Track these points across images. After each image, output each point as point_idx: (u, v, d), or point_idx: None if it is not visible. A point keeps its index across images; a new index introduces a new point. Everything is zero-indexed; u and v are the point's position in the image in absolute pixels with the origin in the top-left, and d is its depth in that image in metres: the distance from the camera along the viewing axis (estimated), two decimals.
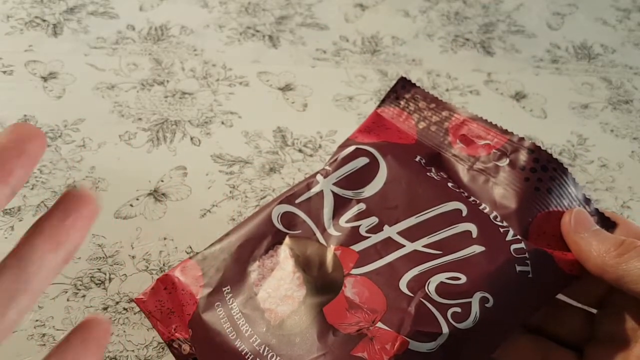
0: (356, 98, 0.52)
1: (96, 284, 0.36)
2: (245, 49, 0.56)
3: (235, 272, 0.29)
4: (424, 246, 0.28)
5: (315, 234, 0.29)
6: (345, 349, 0.25)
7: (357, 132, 0.34)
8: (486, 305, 0.26)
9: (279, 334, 0.26)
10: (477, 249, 0.27)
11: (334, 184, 0.30)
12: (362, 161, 0.31)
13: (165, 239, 0.39)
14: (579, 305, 0.31)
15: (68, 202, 0.17)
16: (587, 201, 0.30)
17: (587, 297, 0.30)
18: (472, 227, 0.28)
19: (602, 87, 0.56)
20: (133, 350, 0.34)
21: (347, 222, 0.29)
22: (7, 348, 0.33)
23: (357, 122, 0.49)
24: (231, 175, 0.44)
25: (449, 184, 0.30)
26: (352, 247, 0.28)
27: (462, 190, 0.30)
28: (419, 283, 0.26)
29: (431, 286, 0.26)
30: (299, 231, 0.29)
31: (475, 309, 0.25)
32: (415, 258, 0.27)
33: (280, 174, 0.44)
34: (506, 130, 0.31)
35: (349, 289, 0.27)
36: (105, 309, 0.35)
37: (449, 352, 0.25)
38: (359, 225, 0.29)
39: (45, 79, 0.50)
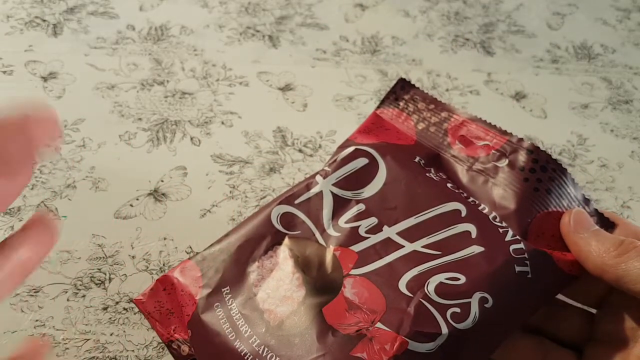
0: (356, 98, 0.52)
1: (96, 284, 0.36)
2: (245, 49, 0.56)
3: (234, 273, 0.29)
4: (423, 247, 0.28)
5: (314, 235, 0.29)
6: (344, 350, 0.25)
7: (356, 132, 0.34)
8: (485, 305, 0.26)
9: (278, 334, 0.26)
10: (476, 249, 0.27)
11: (334, 184, 0.31)
12: (362, 162, 0.31)
13: (165, 239, 0.39)
14: (579, 305, 0.31)
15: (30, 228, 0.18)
16: (587, 201, 0.30)
17: (586, 297, 0.30)
18: (471, 228, 0.28)
19: (602, 87, 0.56)
20: (133, 350, 0.34)
21: (346, 222, 0.29)
22: (7, 348, 0.33)
23: (357, 122, 0.49)
24: (231, 175, 0.44)
25: (448, 185, 0.30)
26: (351, 248, 0.28)
27: (461, 191, 0.30)
28: (418, 283, 0.26)
29: (430, 286, 0.26)
30: (299, 232, 0.29)
31: (474, 309, 0.25)
32: (415, 258, 0.27)
33: (280, 174, 0.44)
34: (505, 130, 0.31)
35: (349, 290, 0.27)
36: (105, 309, 0.35)
37: (448, 352, 0.25)
38: (359, 226, 0.29)
39: (45, 79, 0.50)
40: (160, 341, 0.34)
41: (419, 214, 0.29)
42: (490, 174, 0.30)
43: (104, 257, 0.38)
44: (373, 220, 0.29)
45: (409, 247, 0.28)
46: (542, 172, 0.29)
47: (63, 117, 0.47)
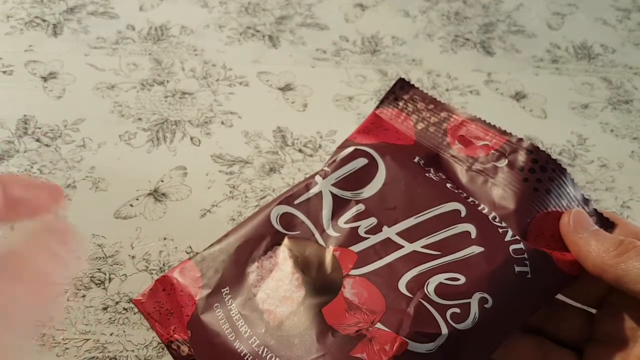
0: (356, 98, 0.52)
1: (96, 284, 0.37)
2: (245, 49, 0.56)
3: (234, 273, 0.29)
4: (423, 247, 0.28)
5: (314, 235, 0.29)
6: (344, 350, 0.25)
7: (355, 133, 0.34)
8: (485, 305, 0.26)
9: (278, 335, 0.26)
10: (476, 249, 0.27)
11: (333, 184, 0.30)
12: (361, 162, 0.31)
13: (165, 239, 0.39)
14: (578, 305, 0.31)
15: None
16: (586, 201, 0.30)
17: (586, 297, 0.30)
18: (471, 228, 0.28)
19: (602, 87, 0.56)
20: (133, 350, 0.34)
21: (346, 223, 0.29)
22: None
23: (357, 122, 0.49)
24: (231, 175, 0.44)
25: (448, 185, 0.30)
26: (351, 248, 0.28)
27: (460, 191, 0.30)
28: (418, 284, 0.26)
29: (430, 287, 0.26)
30: (298, 232, 0.29)
31: (474, 309, 0.25)
32: (414, 259, 0.27)
33: (280, 174, 0.44)
34: (505, 130, 0.31)
35: (348, 290, 0.27)
36: (105, 309, 0.35)
37: (448, 352, 0.25)
38: (358, 226, 0.29)
39: (45, 79, 0.50)
40: (160, 341, 0.34)
41: (418, 214, 0.29)
42: (489, 174, 0.30)
43: (104, 257, 0.38)
44: (372, 221, 0.29)
45: (408, 248, 0.28)
46: (541, 172, 0.29)
47: (63, 117, 0.47)
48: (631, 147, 0.50)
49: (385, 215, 0.29)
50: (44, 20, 0.56)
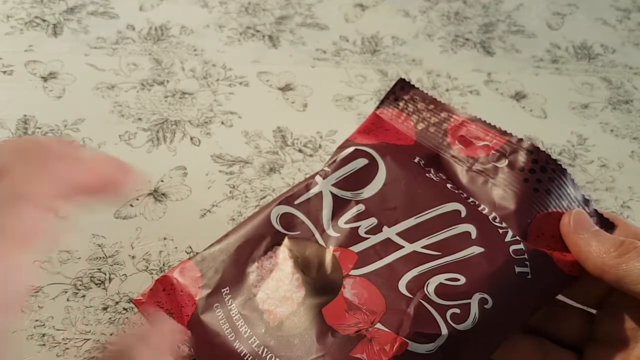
0: (356, 98, 0.52)
1: (96, 284, 0.36)
2: (245, 49, 0.56)
3: (234, 274, 0.29)
4: (423, 247, 0.28)
5: (314, 235, 0.29)
6: (344, 350, 0.25)
7: (356, 133, 0.34)
8: (485, 306, 0.26)
9: (278, 335, 0.26)
10: (476, 250, 0.27)
11: (333, 185, 0.30)
12: (361, 162, 0.31)
13: (165, 239, 0.39)
14: (579, 305, 0.31)
15: None
16: (586, 202, 0.30)
17: (586, 298, 0.30)
18: (471, 228, 0.28)
19: (602, 87, 0.56)
20: None
21: (346, 223, 0.29)
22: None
23: (357, 122, 0.49)
24: (231, 175, 0.44)
25: (448, 185, 0.30)
26: (351, 248, 0.28)
27: (461, 191, 0.30)
28: (418, 284, 0.26)
29: (430, 287, 0.26)
30: (298, 232, 0.29)
31: (474, 310, 0.25)
32: (415, 259, 0.27)
33: (280, 174, 0.44)
34: (505, 131, 0.31)
35: (348, 290, 0.27)
36: (105, 309, 0.35)
37: (448, 353, 0.25)
38: (358, 226, 0.29)
39: (45, 79, 0.50)
40: None
41: (418, 214, 0.29)
42: (490, 175, 0.30)
43: (104, 257, 0.38)
44: (373, 221, 0.29)
45: (408, 248, 0.28)
46: (541, 173, 0.29)
47: (63, 117, 0.47)
48: (631, 147, 0.50)
49: (385, 215, 0.29)
50: (44, 20, 0.56)
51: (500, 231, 0.28)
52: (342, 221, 0.29)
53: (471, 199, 0.30)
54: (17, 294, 0.16)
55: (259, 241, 0.29)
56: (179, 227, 0.40)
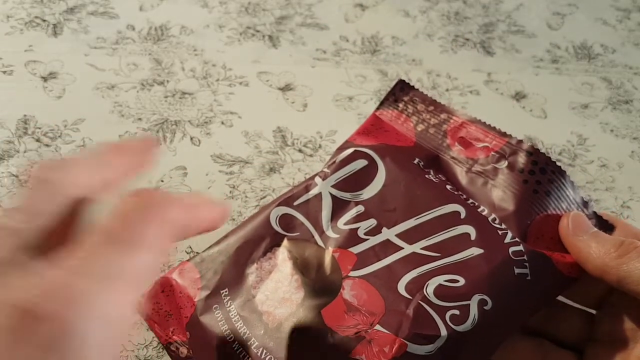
0: (356, 98, 0.52)
1: None
2: (245, 49, 0.56)
3: (233, 275, 0.29)
4: (422, 248, 0.28)
5: (313, 236, 0.29)
6: (343, 352, 0.25)
7: (355, 134, 0.34)
8: (485, 307, 0.26)
9: (277, 336, 0.26)
10: (475, 251, 0.27)
11: (333, 186, 0.30)
12: (361, 163, 0.31)
13: None
14: (578, 306, 0.31)
15: None
16: (585, 204, 0.30)
17: (586, 298, 0.30)
18: (470, 230, 0.28)
19: (602, 87, 0.56)
20: (133, 350, 0.34)
21: (345, 224, 0.29)
22: None
23: (357, 122, 0.49)
24: (231, 175, 0.44)
25: (448, 187, 0.30)
26: (350, 250, 0.28)
27: (460, 193, 0.30)
28: (417, 285, 0.26)
29: (430, 288, 0.26)
30: (297, 233, 0.29)
31: (473, 311, 0.25)
32: (414, 260, 0.27)
33: (280, 174, 0.44)
34: (505, 132, 0.31)
35: (347, 292, 0.27)
36: None
37: (447, 354, 0.25)
38: (358, 228, 0.29)
39: (45, 79, 0.50)
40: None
41: (418, 215, 0.29)
42: (489, 176, 0.30)
43: None
44: (372, 222, 0.29)
45: (408, 249, 0.28)
46: (541, 174, 0.29)
47: (63, 117, 0.47)
48: (631, 147, 0.50)
49: (384, 216, 0.29)
50: (44, 20, 0.56)
51: (500, 232, 0.28)
52: (342, 222, 0.29)
53: (471, 200, 0.30)
54: (126, 330, 0.17)
55: (258, 242, 0.29)
56: None
